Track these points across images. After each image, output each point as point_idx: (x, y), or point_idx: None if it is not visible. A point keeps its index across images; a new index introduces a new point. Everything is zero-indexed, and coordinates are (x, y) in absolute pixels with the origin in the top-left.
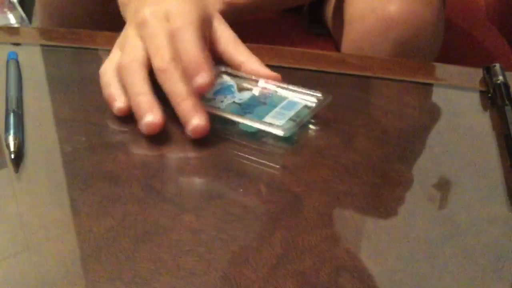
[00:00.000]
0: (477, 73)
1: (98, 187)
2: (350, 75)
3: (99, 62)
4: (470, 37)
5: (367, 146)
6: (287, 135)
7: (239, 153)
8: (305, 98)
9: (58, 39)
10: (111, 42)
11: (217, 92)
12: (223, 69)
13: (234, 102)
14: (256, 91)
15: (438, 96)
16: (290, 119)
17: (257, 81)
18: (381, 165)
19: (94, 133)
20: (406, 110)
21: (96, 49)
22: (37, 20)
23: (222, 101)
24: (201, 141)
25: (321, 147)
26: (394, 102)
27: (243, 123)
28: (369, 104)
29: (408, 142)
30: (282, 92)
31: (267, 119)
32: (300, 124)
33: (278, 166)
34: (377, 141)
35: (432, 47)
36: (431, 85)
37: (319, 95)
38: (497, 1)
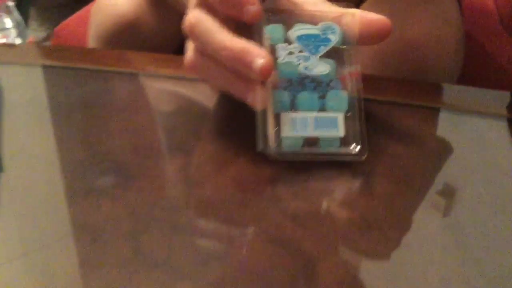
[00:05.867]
0: (505, 98)
1: (76, 247)
2: (365, 99)
3: (87, 84)
4: (484, 47)
5: (387, 190)
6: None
7: (239, 201)
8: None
9: (44, 57)
10: (102, 61)
11: (301, 39)
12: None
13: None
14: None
15: (464, 125)
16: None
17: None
18: (405, 215)
19: (76, 173)
20: (430, 144)
21: (86, 69)
22: (34, 24)
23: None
24: (196, 188)
25: (336, 192)
26: (416, 134)
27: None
28: (388, 135)
29: (434, 184)
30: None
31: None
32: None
33: (287, 217)
34: (398, 183)
35: (453, 70)
36: (454, 112)
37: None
38: (510, 9)
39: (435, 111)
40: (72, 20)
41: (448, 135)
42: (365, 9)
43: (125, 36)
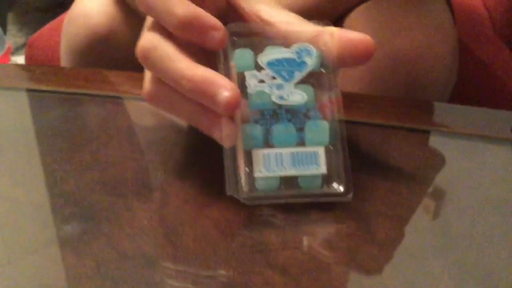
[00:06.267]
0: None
1: None
2: (356, 122)
3: (53, 110)
4: (477, 54)
5: (389, 233)
6: None
7: (223, 251)
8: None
9: (6, 78)
10: (71, 82)
11: (274, 64)
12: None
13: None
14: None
15: (470, 151)
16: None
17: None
18: (411, 262)
19: (37, 221)
20: (431, 175)
21: (53, 92)
22: (13, 29)
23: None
24: (174, 236)
25: (332, 236)
26: (416, 164)
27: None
28: (386, 166)
29: (441, 226)
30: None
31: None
32: None
33: (276, 270)
34: (401, 224)
35: (448, 83)
36: (457, 136)
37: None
38: (501, 14)
39: (437, 137)
40: (46, 30)
41: (454, 164)
42: (352, 19)
43: (99, 49)
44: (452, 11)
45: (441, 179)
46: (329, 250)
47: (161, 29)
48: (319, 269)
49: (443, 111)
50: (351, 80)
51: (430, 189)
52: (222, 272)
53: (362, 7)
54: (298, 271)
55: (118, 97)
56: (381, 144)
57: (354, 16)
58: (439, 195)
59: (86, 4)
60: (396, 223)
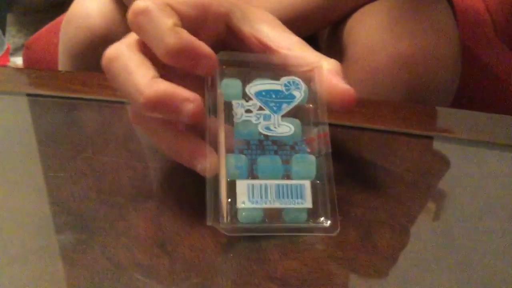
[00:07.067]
0: None
1: None
2: (360, 128)
3: (47, 115)
4: (479, 57)
5: (391, 242)
6: None
7: (220, 263)
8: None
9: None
10: (67, 86)
11: (261, 95)
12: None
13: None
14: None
15: (473, 158)
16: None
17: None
18: (414, 272)
19: (30, 230)
20: (434, 182)
21: (48, 96)
22: (12, 30)
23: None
24: (169, 247)
25: (332, 244)
26: (418, 171)
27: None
28: (387, 173)
29: (444, 235)
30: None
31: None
32: None
33: (275, 282)
34: (402, 232)
35: (451, 87)
36: (460, 142)
37: (327, 222)
38: (504, 17)
39: (438, 142)
40: (44, 31)
41: (457, 173)
42: (355, 21)
43: (98, 51)
44: (455, 14)
45: (444, 186)
46: (330, 261)
47: (139, 44)
48: (320, 280)
49: (446, 116)
50: (353, 83)
51: (433, 197)
52: (220, 283)
53: (364, 9)
54: (298, 282)
55: (115, 102)
56: (383, 150)
57: (356, 18)
58: (441, 203)
59: (84, 5)
60: (397, 232)
